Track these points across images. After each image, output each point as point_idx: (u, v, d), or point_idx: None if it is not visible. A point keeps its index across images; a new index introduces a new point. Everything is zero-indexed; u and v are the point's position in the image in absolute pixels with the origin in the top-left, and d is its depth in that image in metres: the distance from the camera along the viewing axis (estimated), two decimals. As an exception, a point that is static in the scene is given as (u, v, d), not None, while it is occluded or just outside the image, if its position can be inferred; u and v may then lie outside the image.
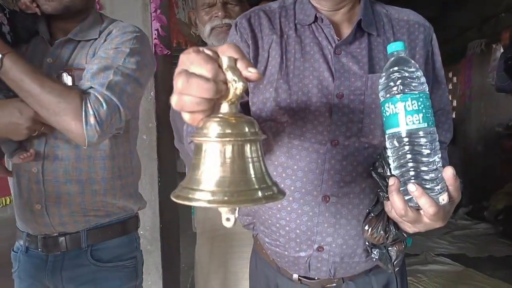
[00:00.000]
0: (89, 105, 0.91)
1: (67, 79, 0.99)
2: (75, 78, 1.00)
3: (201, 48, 0.45)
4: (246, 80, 0.44)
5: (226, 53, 0.45)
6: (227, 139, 0.44)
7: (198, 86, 0.42)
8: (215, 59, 0.44)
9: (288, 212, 0.81)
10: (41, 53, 1.04)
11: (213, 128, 0.44)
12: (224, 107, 0.46)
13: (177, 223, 2.19)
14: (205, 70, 0.42)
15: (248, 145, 0.45)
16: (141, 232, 1.52)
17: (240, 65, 0.44)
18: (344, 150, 0.78)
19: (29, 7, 1.03)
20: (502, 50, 4.08)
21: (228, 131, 0.44)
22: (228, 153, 0.44)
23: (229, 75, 0.44)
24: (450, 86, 6.10)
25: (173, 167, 2.18)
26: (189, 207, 0.48)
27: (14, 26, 1.01)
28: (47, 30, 1.07)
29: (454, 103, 5.95)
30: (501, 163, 4.21)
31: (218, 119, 0.45)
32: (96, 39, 1.06)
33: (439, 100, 0.86)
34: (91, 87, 0.94)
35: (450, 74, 6.05)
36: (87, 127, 0.90)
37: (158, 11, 1.90)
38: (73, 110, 0.89)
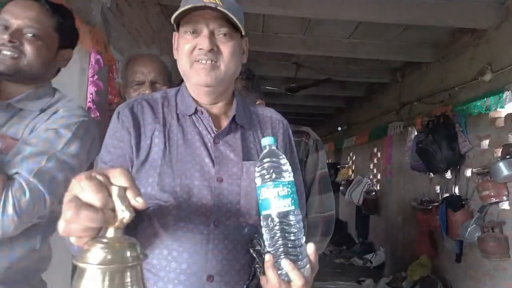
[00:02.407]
0: (9, 193, 0.84)
1: (0, 146, 0.92)
2: (7, 147, 0.92)
3: (93, 174, 0.48)
4: (133, 208, 0.48)
5: (117, 179, 0.48)
6: (110, 266, 0.45)
7: (86, 218, 0.45)
8: (106, 187, 0.47)
9: None
10: None
11: (97, 254, 0.45)
12: (110, 232, 0.48)
13: None
14: (96, 199, 0.46)
15: (129, 271, 0.46)
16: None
17: (129, 193, 0.48)
18: (225, 230, 0.84)
19: None
20: (415, 133, 4.62)
21: (110, 258, 0.45)
22: (109, 279, 0.45)
23: (118, 205, 0.47)
24: (375, 160, 6.64)
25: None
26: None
27: None
28: None
29: (379, 176, 6.45)
30: (417, 235, 4.54)
31: (102, 245, 0.46)
32: (38, 114, 0.98)
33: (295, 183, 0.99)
34: (17, 173, 0.87)
35: (375, 149, 6.62)
36: (3, 217, 0.83)
37: (96, 76, 1.96)
38: None
